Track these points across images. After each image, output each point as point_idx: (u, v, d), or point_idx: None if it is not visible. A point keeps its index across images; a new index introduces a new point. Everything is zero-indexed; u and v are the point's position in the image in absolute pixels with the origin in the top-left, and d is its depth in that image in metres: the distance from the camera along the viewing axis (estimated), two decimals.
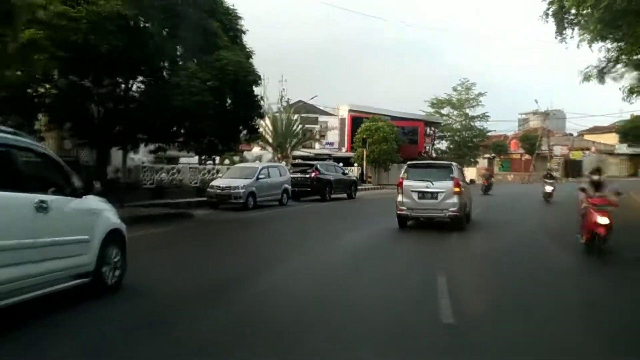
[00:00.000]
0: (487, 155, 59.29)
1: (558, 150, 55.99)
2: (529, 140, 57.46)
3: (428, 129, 53.07)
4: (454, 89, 54.10)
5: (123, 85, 16.98)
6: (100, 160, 17.84)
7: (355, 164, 43.10)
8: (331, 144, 48.87)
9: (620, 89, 18.97)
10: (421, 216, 12.91)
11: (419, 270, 8.40)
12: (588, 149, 56.33)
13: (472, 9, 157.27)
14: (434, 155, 53.36)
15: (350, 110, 48.83)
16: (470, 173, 62.00)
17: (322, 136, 49.70)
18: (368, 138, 42.05)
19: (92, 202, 6.10)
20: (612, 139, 62.20)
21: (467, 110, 53.77)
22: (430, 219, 12.87)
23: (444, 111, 54.49)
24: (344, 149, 48.03)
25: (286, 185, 20.85)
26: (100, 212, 6.15)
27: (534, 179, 54.64)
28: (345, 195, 24.72)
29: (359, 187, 28.69)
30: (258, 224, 15.60)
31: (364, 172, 40.24)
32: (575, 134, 67.25)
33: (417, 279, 7.64)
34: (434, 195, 12.42)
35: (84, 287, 5.75)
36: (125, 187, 18.44)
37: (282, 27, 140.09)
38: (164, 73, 17.07)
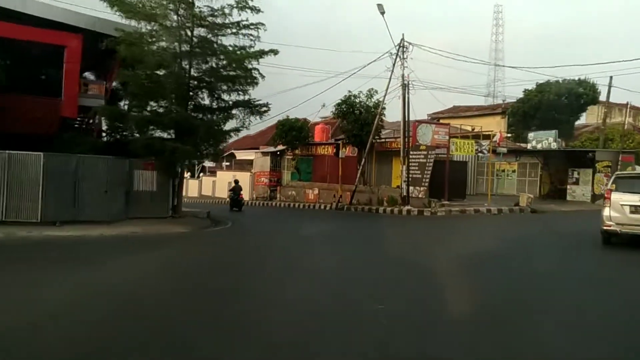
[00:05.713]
0: (264, 150, 28.58)
1: (427, 136, 23.56)
2: (355, 116, 27.79)
3: (109, 62, 20.14)
4: None
5: None
6: None
7: None
8: None
9: None
10: (634, 233, 11.47)
11: None
12: (489, 139, 26.95)
13: None
14: (114, 138, 20.29)
15: None
16: (220, 187, 31.69)
17: None
18: None
19: None
20: (494, 124, 36.52)
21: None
22: None
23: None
24: None
25: None
26: None
27: (371, 194, 25.52)
28: None
29: None
30: None
31: None
32: (426, 117, 40.26)
33: None
34: None
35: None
36: None
37: None
38: None
